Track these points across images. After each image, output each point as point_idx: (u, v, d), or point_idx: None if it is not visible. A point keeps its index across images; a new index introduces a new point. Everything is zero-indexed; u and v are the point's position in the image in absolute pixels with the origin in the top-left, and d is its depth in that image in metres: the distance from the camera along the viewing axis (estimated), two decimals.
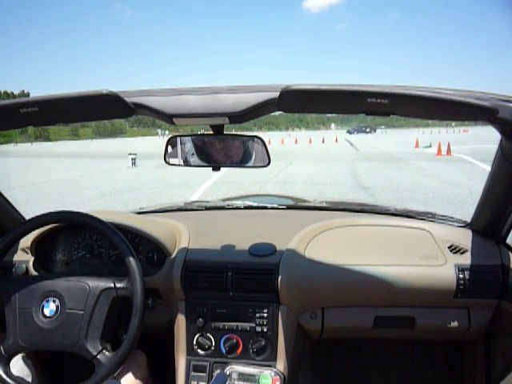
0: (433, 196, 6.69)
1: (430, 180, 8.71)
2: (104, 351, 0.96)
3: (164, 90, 0.72)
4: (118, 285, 0.98)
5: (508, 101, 0.63)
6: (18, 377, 1.00)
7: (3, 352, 0.98)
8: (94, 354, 0.95)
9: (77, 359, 0.99)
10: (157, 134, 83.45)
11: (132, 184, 9.52)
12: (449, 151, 14.77)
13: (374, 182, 8.60)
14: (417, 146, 20.68)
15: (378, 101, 0.62)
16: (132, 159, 13.98)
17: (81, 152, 26.46)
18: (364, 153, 18.45)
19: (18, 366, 1.10)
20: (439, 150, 15.11)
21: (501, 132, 0.74)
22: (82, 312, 0.97)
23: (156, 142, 36.12)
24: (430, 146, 19.62)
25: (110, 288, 0.98)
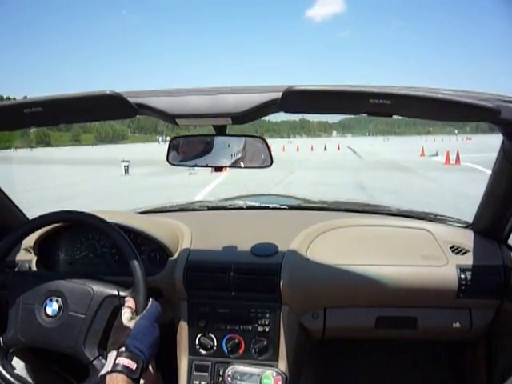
0: (445, 209, 6.00)
1: (442, 191, 8.03)
2: (100, 358, 0.94)
3: (167, 91, 0.73)
4: (122, 293, 0.97)
5: (510, 101, 0.63)
6: (14, 371, 0.99)
7: (2, 344, 0.97)
8: (91, 359, 0.94)
9: (75, 360, 0.97)
10: (157, 140, 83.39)
11: (120, 194, 8.86)
12: (458, 160, 14.09)
13: (382, 193, 7.91)
14: (423, 154, 20.00)
15: (381, 101, 0.62)
16: (125, 166, 13.28)
17: (77, 158, 25.85)
18: (368, 161, 17.70)
19: (15, 361, 1.06)
20: (447, 159, 14.45)
21: (503, 133, 0.74)
22: (83, 316, 0.96)
23: (154, 149, 35.67)
24: (437, 155, 18.93)
25: (113, 295, 0.97)
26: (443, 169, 12.85)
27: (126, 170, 13.37)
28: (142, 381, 0.84)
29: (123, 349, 0.81)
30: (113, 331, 0.88)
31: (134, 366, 0.79)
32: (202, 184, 9.92)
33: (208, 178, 11.14)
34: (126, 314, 0.88)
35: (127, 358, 0.79)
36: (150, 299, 0.93)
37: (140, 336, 0.84)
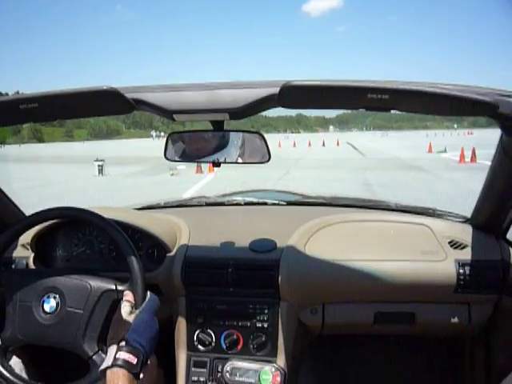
0: None
1: (472, 198, 6.56)
2: (100, 352, 0.94)
3: (164, 86, 0.72)
4: (120, 287, 0.96)
5: (508, 96, 0.63)
6: (13, 369, 0.99)
7: (0, 342, 0.97)
8: (90, 354, 0.93)
9: (74, 357, 0.96)
10: (151, 135, 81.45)
11: (83, 199, 7.50)
12: (473, 158, 12.64)
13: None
14: (430, 150, 18.57)
15: (379, 96, 0.62)
16: (98, 166, 11.90)
17: (56, 156, 24.07)
18: (372, 159, 15.97)
19: (14, 359, 1.07)
20: (462, 157, 12.99)
21: (501, 127, 0.74)
22: (81, 311, 0.95)
23: (146, 145, 33.97)
24: (445, 151, 17.55)
25: (111, 290, 0.96)
26: (459, 168, 11.25)
27: (100, 170, 12.13)
28: (141, 375, 0.83)
29: (123, 343, 0.81)
30: (112, 325, 0.88)
31: (134, 360, 0.79)
32: (183, 187, 8.43)
33: (192, 179, 9.65)
34: (125, 308, 0.87)
35: (127, 352, 0.79)
36: (148, 292, 0.93)
37: (140, 330, 0.84)
